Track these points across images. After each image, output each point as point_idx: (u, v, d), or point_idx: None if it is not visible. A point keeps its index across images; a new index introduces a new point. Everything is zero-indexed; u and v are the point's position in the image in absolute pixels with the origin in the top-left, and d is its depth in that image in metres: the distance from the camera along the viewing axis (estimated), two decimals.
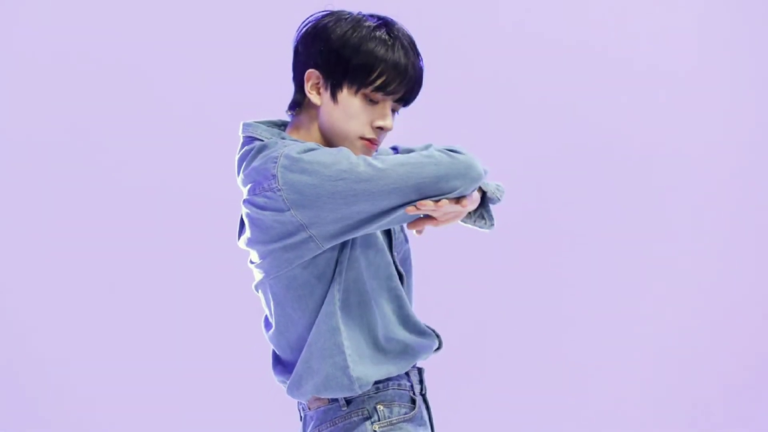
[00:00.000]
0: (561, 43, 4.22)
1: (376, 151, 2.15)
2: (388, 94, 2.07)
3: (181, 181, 4.13)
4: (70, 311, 4.14)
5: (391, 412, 2.12)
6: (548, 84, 4.23)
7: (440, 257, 4.01)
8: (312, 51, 2.09)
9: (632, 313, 4.27)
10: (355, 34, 2.06)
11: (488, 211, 2.21)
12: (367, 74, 2.05)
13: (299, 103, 2.14)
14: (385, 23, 2.10)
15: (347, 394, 2.10)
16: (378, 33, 2.07)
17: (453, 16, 4.19)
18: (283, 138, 2.10)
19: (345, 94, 2.07)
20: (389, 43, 2.06)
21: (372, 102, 2.08)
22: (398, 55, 2.06)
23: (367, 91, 2.07)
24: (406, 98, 2.11)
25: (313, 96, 2.10)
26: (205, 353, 4.17)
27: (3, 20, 4.07)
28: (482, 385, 4.24)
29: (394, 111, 2.13)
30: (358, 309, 2.11)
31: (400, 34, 2.09)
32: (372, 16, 2.11)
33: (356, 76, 2.06)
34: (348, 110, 2.08)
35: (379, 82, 2.06)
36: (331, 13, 2.11)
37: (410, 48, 2.09)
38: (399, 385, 2.15)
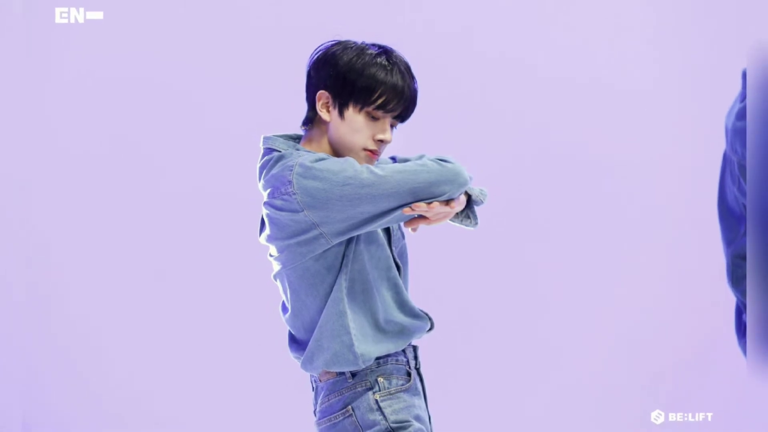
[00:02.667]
0: (535, 67, 4.32)
1: (378, 160, 2.29)
2: (387, 111, 2.23)
3: (212, 186, 4.28)
4: (123, 308, 4.28)
5: (390, 383, 2.25)
6: (524, 102, 4.33)
7: (432, 251, 4.08)
8: (322, 75, 2.24)
9: (597, 298, 4.35)
10: (359, 61, 2.21)
11: (473, 212, 2.35)
12: (369, 95, 2.21)
13: (311, 120, 2.29)
14: (385, 51, 2.25)
15: (352, 368, 2.23)
16: (379, 59, 2.22)
17: (443, 44, 4.29)
18: (297, 149, 2.25)
19: (351, 112, 2.22)
20: (389, 68, 2.21)
21: (374, 118, 2.23)
22: (396, 79, 2.21)
23: (370, 109, 2.21)
24: (403, 115, 2.26)
25: (323, 113, 2.25)
26: (245, 346, 4.28)
27: (63, 49, 4.24)
28: (468, 360, 4.33)
29: (392, 126, 2.27)
30: (362, 295, 2.24)
31: (398, 60, 2.24)
32: (374, 45, 2.26)
33: (360, 96, 2.21)
34: (353, 125, 2.23)
35: (380, 101, 2.21)
36: (339, 42, 2.26)
37: (407, 72, 2.24)
38: (397, 360, 2.28)
